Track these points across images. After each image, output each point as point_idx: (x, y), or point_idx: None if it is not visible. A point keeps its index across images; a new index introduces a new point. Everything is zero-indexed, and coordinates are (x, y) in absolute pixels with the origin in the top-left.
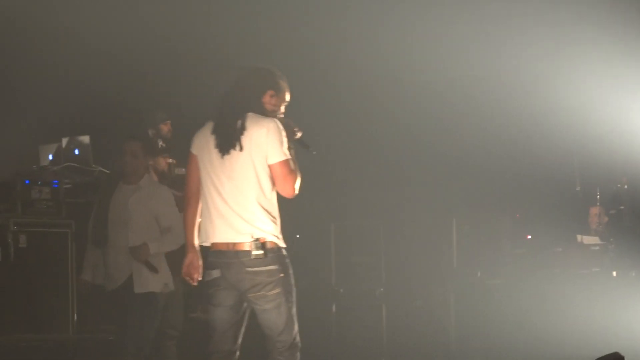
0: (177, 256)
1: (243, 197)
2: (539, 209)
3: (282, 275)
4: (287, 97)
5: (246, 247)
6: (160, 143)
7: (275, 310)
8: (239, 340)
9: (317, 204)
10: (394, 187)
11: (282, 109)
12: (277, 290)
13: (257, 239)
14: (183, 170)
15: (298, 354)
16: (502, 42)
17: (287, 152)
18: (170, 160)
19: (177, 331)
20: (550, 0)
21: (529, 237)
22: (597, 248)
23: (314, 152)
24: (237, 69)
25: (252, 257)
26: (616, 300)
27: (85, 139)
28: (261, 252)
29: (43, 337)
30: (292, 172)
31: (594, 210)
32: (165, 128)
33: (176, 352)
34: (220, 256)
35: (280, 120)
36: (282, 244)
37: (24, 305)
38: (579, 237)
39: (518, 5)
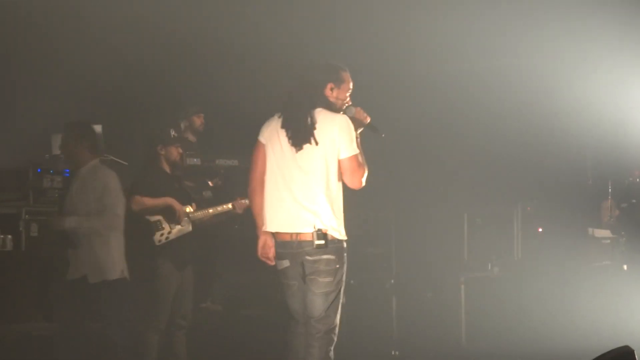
0: (187, 246)
1: (311, 190)
2: (550, 202)
3: (337, 266)
4: (350, 85)
5: (308, 237)
6: (173, 133)
7: (322, 297)
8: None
9: None
10: (407, 180)
11: (348, 97)
12: (329, 279)
13: (319, 230)
14: (196, 160)
15: (331, 348)
16: (514, 36)
17: (357, 147)
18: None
19: (186, 321)
20: None
21: (540, 230)
22: (609, 241)
23: (383, 135)
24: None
25: (314, 246)
26: (627, 293)
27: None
28: (322, 242)
29: (54, 325)
30: (361, 166)
31: (606, 204)
32: (198, 120)
33: (186, 342)
34: (285, 247)
35: (348, 108)
36: (342, 237)
37: (36, 294)
38: (590, 230)
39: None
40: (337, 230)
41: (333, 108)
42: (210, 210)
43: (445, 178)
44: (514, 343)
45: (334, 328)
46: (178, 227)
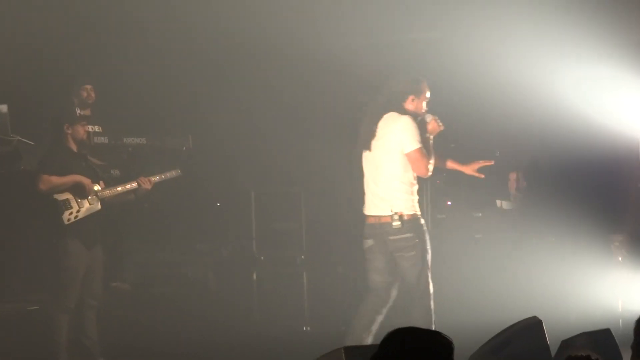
0: (96, 225)
1: (384, 180)
2: (458, 175)
3: (417, 240)
4: (427, 95)
5: (387, 220)
6: (79, 111)
7: (411, 267)
8: (392, 295)
9: (237, 172)
10: (315, 154)
11: (424, 105)
12: (412, 253)
13: (395, 213)
14: (103, 139)
15: (431, 303)
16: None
17: (419, 142)
18: (89, 128)
19: (96, 300)
20: None
21: (449, 203)
22: (517, 213)
23: (452, 146)
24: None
25: (393, 227)
26: (534, 263)
27: (3, 107)
28: (399, 223)
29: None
30: (424, 158)
31: (513, 176)
32: (84, 93)
33: (96, 321)
34: (371, 228)
35: (424, 117)
36: (416, 215)
37: None
38: (498, 202)
39: None
40: (412, 210)
41: (407, 114)
42: (118, 188)
43: (356, 151)
44: (426, 318)
45: (427, 286)
46: (87, 205)
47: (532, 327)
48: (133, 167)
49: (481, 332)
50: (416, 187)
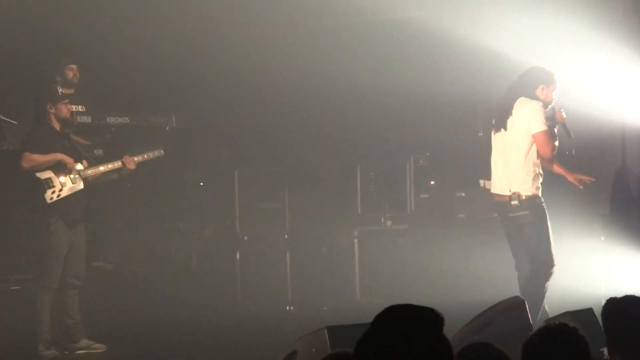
0: (79, 204)
1: (506, 162)
2: (442, 155)
3: (533, 217)
4: (557, 86)
5: (507, 199)
6: (61, 90)
7: (529, 240)
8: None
9: (221, 151)
10: (298, 133)
11: (554, 95)
12: (530, 228)
13: (514, 193)
14: (87, 118)
15: (551, 271)
16: None
17: (545, 125)
18: (73, 108)
19: (79, 280)
20: None
21: (433, 182)
22: None
23: (572, 136)
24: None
25: (512, 205)
26: None
27: None
28: (516, 202)
29: None
30: (550, 139)
31: None
32: (69, 73)
33: (79, 301)
34: (496, 205)
35: (551, 109)
36: (534, 194)
37: None
38: (481, 181)
39: None
40: (529, 190)
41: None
42: (101, 168)
43: (338, 133)
44: (409, 297)
45: (545, 257)
46: (70, 185)
47: (515, 307)
48: (116, 146)
49: (464, 312)
50: (538, 169)
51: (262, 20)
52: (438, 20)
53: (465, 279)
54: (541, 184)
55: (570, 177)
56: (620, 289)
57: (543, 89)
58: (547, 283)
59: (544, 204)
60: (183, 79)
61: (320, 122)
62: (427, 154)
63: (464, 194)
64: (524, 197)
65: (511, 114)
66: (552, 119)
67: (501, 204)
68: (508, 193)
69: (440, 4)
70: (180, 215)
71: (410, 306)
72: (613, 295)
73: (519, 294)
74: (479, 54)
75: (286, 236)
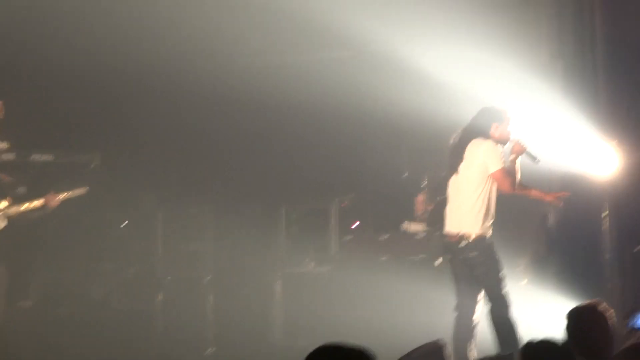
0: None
1: (457, 203)
2: (366, 196)
3: (483, 258)
4: (511, 122)
5: (456, 240)
6: None
7: (482, 281)
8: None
9: (144, 191)
10: (223, 174)
11: (508, 131)
12: (480, 269)
13: (463, 234)
14: (10, 156)
15: (504, 310)
16: (330, 30)
17: (502, 162)
18: None
19: None
20: None
21: (356, 224)
22: (423, 235)
23: (539, 162)
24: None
25: (461, 246)
26: (440, 287)
27: None
28: (465, 243)
29: None
30: (508, 176)
31: (420, 197)
32: None
33: None
34: (446, 245)
35: (509, 141)
36: (482, 235)
37: None
38: (405, 224)
39: None
40: (477, 231)
41: (498, 142)
42: (25, 206)
43: (262, 173)
44: (331, 339)
45: (495, 298)
46: None
47: (435, 351)
48: (41, 184)
49: (386, 355)
50: (492, 209)
51: (186, 65)
52: (365, 65)
53: (388, 321)
54: (492, 224)
55: (548, 198)
56: (541, 334)
57: (497, 127)
58: (509, 314)
59: (493, 244)
60: (109, 117)
61: (243, 163)
62: (351, 195)
63: (387, 236)
64: (472, 238)
65: (463, 158)
66: (511, 153)
67: (450, 244)
68: (457, 234)
69: (363, 54)
70: (103, 254)
71: (341, 345)
72: (531, 339)
73: (440, 337)
74: (405, 97)
75: (209, 278)
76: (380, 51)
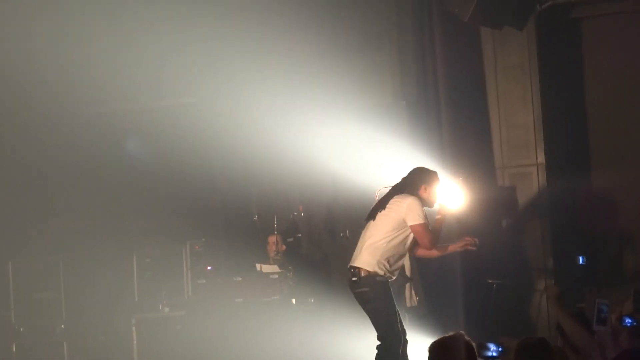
0: None
1: (363, 243)
2: (219, 239)
3: (372, 294)
4: (439, 185)
5: (350, 275)
6: None
7: (371, 317)
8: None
9: None
10: (74, 221)
11: (435, 194)
12: (370, 305)
13: (355, 269)
14: None
15: (394, 345)
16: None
17: (424, 218)
18: None
19: None
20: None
21: (209, 267)
22: (277, 276)
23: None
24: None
25: (352, 281)
26: (296, 327)
27: None
28: (356, 278)
29: None
30: (428, 233)
31: (272, 239)
32: None
33: None
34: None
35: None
36: (375, 273)
37: None
38: (258, 265)
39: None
40: (373, 269)
41: (425, 203)
42: None
43: (113, 218)
44: None
45: (385, 334)
46: None
47: None
48: None
49: None
50: (398, 258)
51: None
52: (209, 110)
53: None
54: (394, 271)
55: (459, 246)
56: None
57: (425, 188)
58: (393, 354)
59: (387, 285)
60: None
61: (93, 208)
62: (203, 239)
63: (240, 279)
64: (362, 274)
65: (384, 207)
66: (438, 214)
67: (348, 281)
68: (352, 269)
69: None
70: None
71: None
72: None
73: None
74: (252, 139)
75: (63, 326)
76: (222, 96)
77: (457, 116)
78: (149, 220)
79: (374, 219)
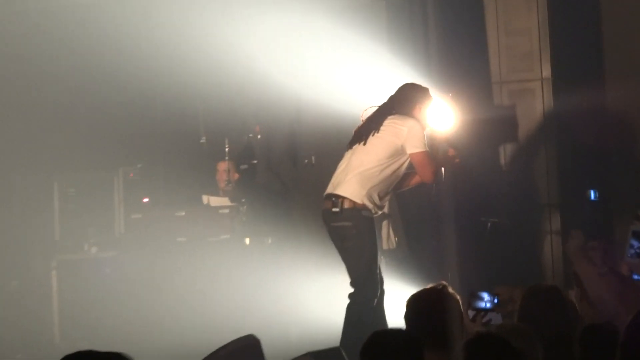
0: None
1: (348, 170)
2: (157, 166)
3: (355, 230)
4: (430, 102)
5: (330, 206)
6: None
7: (348, 257)
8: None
9: None
10: None
11: (428, 113)
12: (350, 242)
13: (339, 199)
14: None
15: (369, 295)
16: None
17: (425, 146)
18: None
19: None
20: None
21: (146, 199)
22: (227, 211)
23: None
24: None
25: (332, 213)
26: (250, 272)
27: None
28: (337, 209)
29: None
30: (431, 163)
31: (222, 166)
32: None
33: None
34: (322, 212)
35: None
36: (362, 205)
37: None
38: (205, 198)
39: None
40: (360, 201)
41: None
42: None
43: (30, 142)
44: (121, 338)
45: (360, 278)
46: None
47: (248, 348)
48: None
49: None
50: (388, 189)
51: None
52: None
53: (191, 312)
54: (382, 206)
55: (450, 156)
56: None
57: (420, 109)
58: (368, 305)
59: (373, 222)
60: None
61: (3, 129)
62: (139, 165)
63: (183, 213)
64: (346, 206)
65: (378, 130)
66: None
67: (325, 211)
68: (333, 197)
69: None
70: None
71: (95, 352)
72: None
73: (252, 333)
74: (200, 53)
75: None
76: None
77: (447, 19)
78: (73, 142)
79: (364, 143)
